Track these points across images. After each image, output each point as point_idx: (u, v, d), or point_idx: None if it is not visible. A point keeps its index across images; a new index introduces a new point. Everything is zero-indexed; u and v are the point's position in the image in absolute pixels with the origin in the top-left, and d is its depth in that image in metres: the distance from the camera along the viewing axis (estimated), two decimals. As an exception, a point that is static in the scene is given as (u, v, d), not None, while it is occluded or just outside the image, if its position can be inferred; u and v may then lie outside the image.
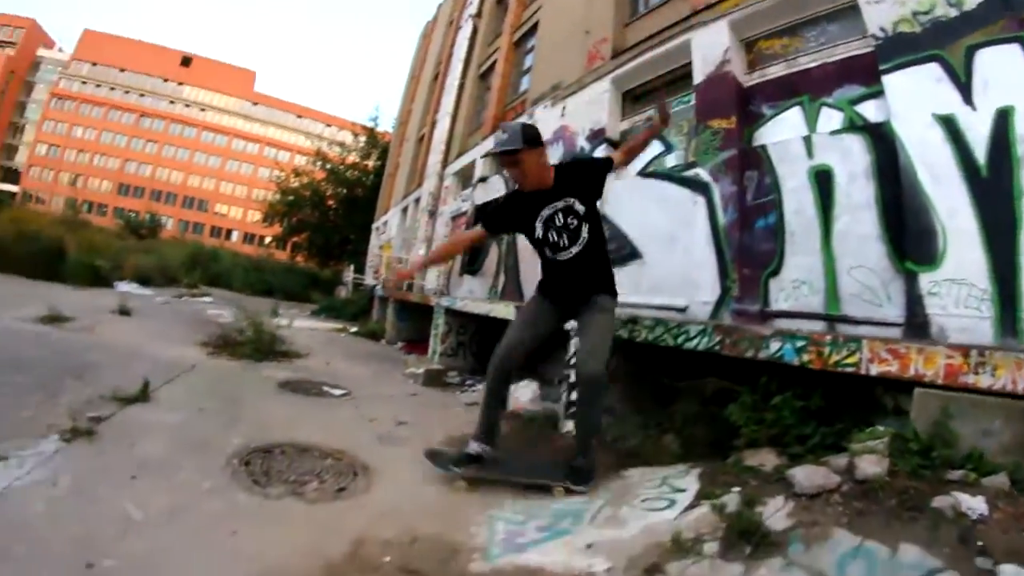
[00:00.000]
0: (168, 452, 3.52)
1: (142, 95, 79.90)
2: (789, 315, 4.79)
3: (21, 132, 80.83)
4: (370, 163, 33.48)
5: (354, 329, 12.62)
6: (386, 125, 34.30)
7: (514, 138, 3.40)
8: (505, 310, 6.39)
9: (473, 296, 12.44)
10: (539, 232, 3.61)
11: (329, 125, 77.75)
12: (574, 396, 4.77)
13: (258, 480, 3.31)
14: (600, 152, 8.04)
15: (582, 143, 9.09)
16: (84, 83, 79.06)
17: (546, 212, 3.57)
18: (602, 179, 3.74)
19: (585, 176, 3.67)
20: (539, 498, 3.36)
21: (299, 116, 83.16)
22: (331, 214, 32.48)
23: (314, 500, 3.14)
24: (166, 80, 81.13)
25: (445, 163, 16.36)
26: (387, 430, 4.56)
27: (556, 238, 3.59)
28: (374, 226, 28.01)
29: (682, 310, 5.86)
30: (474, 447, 3.63)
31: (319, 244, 32.92)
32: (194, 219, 77.02)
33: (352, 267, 25.88)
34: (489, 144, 13.40)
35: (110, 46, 79.74)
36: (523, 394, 6.05)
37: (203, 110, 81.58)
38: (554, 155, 9.69)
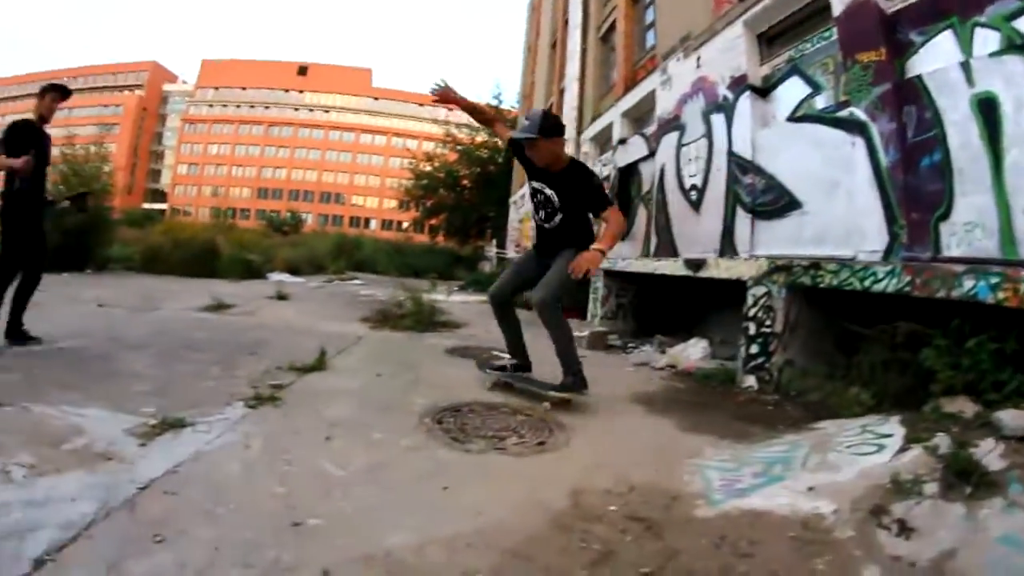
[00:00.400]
0: (356, 414, 3.63)
1: (267, 107, 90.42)
2: (962, 262, 4.25)
3: (162, 157, 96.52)
4: (499, 141, 34.04)
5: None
6: (509, 100, 35.06)
7: (532, 127, 4.20)
8: (673, 265, 6.57)
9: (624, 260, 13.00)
10: (528, 193, 4.64)
11: (451, 109, 79.21)
12: (753, 349, 5.32)
13: (456, 437, 3.33)
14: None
15: (724, 92, 9.00)
16: (211, 106, 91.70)
17: (536, 185, 4.46)
18: (588, 206, 4.48)
19: (581, 191, 4.37)
20: (744, 446, 3.47)
21: (420, 104, 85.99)
22: (466, 193, 33.61)
23: (518, 454, 3.16)
24: (287, 90, 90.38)
25: (580, 129, 16.77)
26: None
27: (539, 210, 4.52)
28: (511, 200, 28.86)
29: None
30: (505, 360, 4.87)
31: (457, 224, 34.25)
32: (332, 212, 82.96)
33: (495, 241, 26.95)
34: (624, 104, 13.84)
35: (229, 70, 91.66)
36: (693, 352, 6.28)
37: (327, 112, 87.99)
38: (695, 108, 9.93)
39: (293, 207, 66.15)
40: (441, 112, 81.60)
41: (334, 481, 2.61)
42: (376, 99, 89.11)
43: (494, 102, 34.49)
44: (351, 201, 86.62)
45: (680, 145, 10.31)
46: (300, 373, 4.51)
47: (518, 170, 27.69)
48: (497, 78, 79.25)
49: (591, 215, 4.58)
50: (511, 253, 25.07)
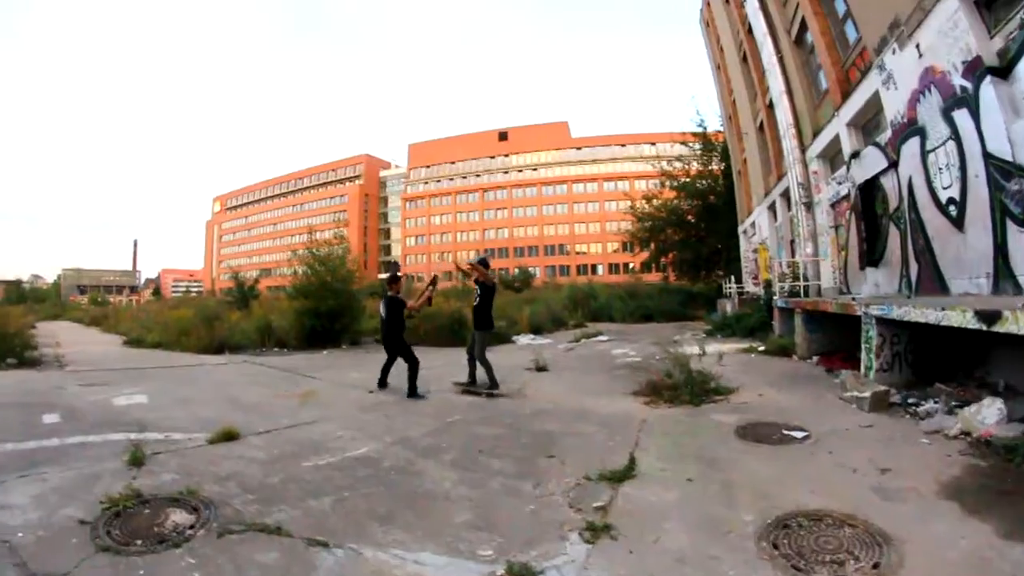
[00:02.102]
0: (695, 542, 3.56)
1: (478, 175, 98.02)
2: None
3: (388, 234, 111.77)
4: (714, 167, 33.29)
5: (760, 347, 12.32)
6: (713, 124, 33.70)
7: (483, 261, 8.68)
8: (960, 318, 5.83)
9: (880, 291, 11.69)
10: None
11: (653, 144, 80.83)
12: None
13: (797, 565, 3.25)
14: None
15: (959, 82, 8.03)
16: (426, 183, 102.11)
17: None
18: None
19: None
20: None
21: (622, 145, 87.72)
22: (692, 229, 32.91)
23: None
24: (493, 157, 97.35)
25: (803, 147, 15.80)
26: (876, 481, 4.40)
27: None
28: (740, 230, 27.91)
29: None
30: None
31: (688, 260, 33.53)
32: (558, 263, 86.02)
33: (732, 278, 25.95)
34: (846, 113, 12.79)
35: (435, 148, 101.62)
36: (987, 415, 5.30)
37: (535, 169, 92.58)
38: (931, 106, 8.95)
39: (520, 263, 70.20)
40: (645, 148, 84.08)
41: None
42: (579, 148, 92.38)
43: (698, 130, 33.68)
44: (575, 250, 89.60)
45: (925, 152, 9.33)
46: (611, 482, 4.46)
47: (743, 197, 26.68)
48: (695, 103, 76.89)
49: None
50: (749, 287, 23.91)
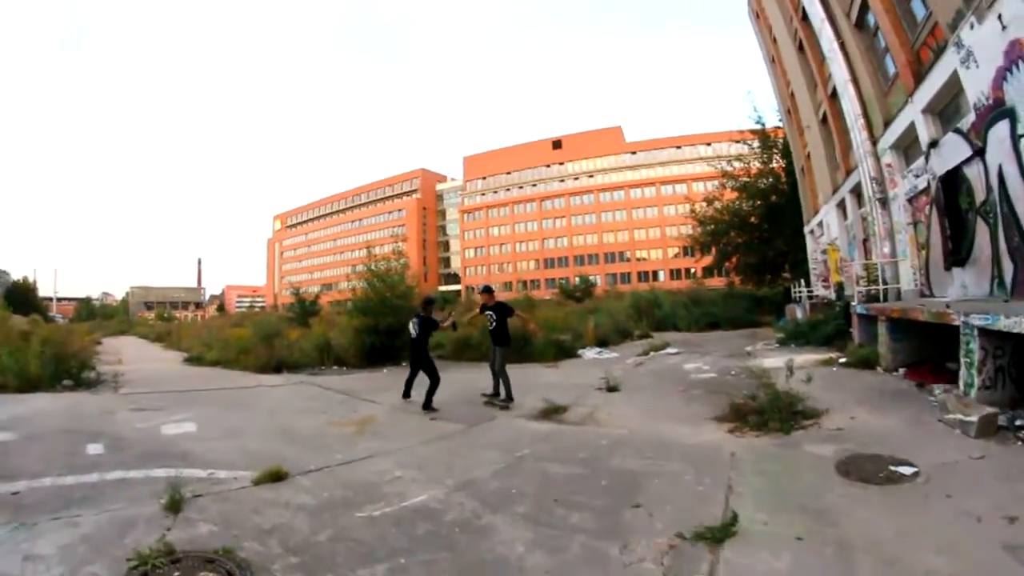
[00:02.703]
0: None
1: (534, 185, 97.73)
2: None
3: (447, 247, 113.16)
4: (774, 164, 31.90)
5: (841, 358, 11.19)
6: (772, 120, 32.45)
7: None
8: None
9: (968, 294, 10.59)
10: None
11: (710, 144, 79.19)
12: None
13: None
14: None
15: None
16: (483, 194, 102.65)
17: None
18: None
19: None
20: None
21: (678, 147, 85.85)
22: (756, 230, 31.37)
23: None
24: (548, 165, 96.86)
25: (873, 138, 14.59)
26: (1007, 535, 3.75)
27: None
28: (807, 230, 26.53)
29: None
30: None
31: (753, 263, 32.03)
32: (619, 270, 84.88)
33: (801, 281, 24.57)
34: (921, 98, 11.66)
35: (490, 160, 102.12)
36: None
37: (591, 176, 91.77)
38: (1020, 82, 8.03)
39: (580, 271, 68.93)
40: (701, 148, 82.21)
41: None
42: (634, 153, 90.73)
43: (756, 126, 32.31)
44: (636, 256, 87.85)
45: (1016, 137, 8.26)
46: (709, 543, 3.88)
47: (807, 194, 25.28)
48: (751, 98, 74.16)
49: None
50: (819, 290, 22.49)
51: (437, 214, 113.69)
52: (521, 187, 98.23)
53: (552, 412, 8.14)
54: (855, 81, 15.24)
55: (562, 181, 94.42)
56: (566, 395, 9.09)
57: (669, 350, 15.99)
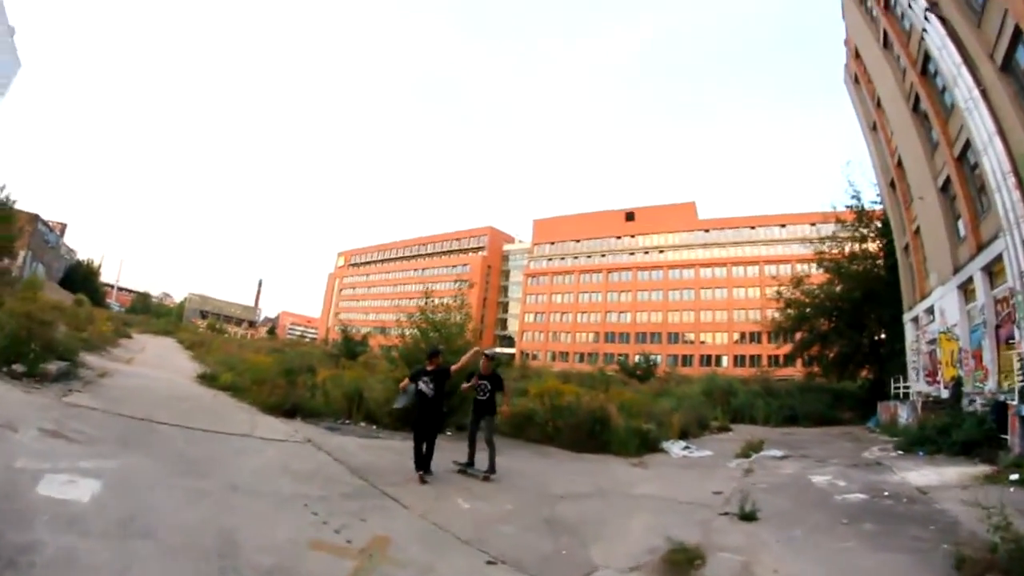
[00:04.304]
0: None
1: (603, 255, 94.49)
2: None
3: (506, 308, 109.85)
4: (871, 246, 28.92)
5: (1013, 475, 8.53)
6: (868, 195, 29.58)
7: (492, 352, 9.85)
8: None
9: None
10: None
11: (783, 226, 76.84)
12: None
13: None
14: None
15: None
16: (550, 260, 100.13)
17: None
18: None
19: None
20: None
21: (752, 227, 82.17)
22: (847, 317, 28.08)
23: None
24: (619, 237, 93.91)
25: (1032, 198, 11.59)
26: None
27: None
28: (907, 317, 23.14)
29: None
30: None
31: (843, 352, 28.51)
32: (682, 352, 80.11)
33: (901, 377, 21.13)
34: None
35: (560, 225, 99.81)
36: None
37: (661, 252, 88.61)
38: None
39: (642, 349, 65.10)
40: (776, 230, 78.79)
41: None
42: (707, 231, 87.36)
43: (854, 203, 29.54)
44: (700, 339, 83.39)
45: None
46: None
47: (913, 277, 21.98)
48: (847, 173, 70.31)
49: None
50: (921, 386, 18.97)
51: (501, 274, 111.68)
52: (589, 256, 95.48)
53: (682, 563, 5.13)
54: (1002, 133, 12.40)
55: (632, 254, 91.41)
56: (684, 524, 6.54)
57: (771, 452, 13.11)
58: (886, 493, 8.20)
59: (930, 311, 19.57)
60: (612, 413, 12.85)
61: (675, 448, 13.20)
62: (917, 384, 19.91)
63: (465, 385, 8.95)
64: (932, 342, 19.20)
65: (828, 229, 31.67)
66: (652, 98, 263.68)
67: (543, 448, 11.81)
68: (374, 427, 11.72)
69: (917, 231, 20.74)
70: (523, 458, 10.53)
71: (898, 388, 20.27)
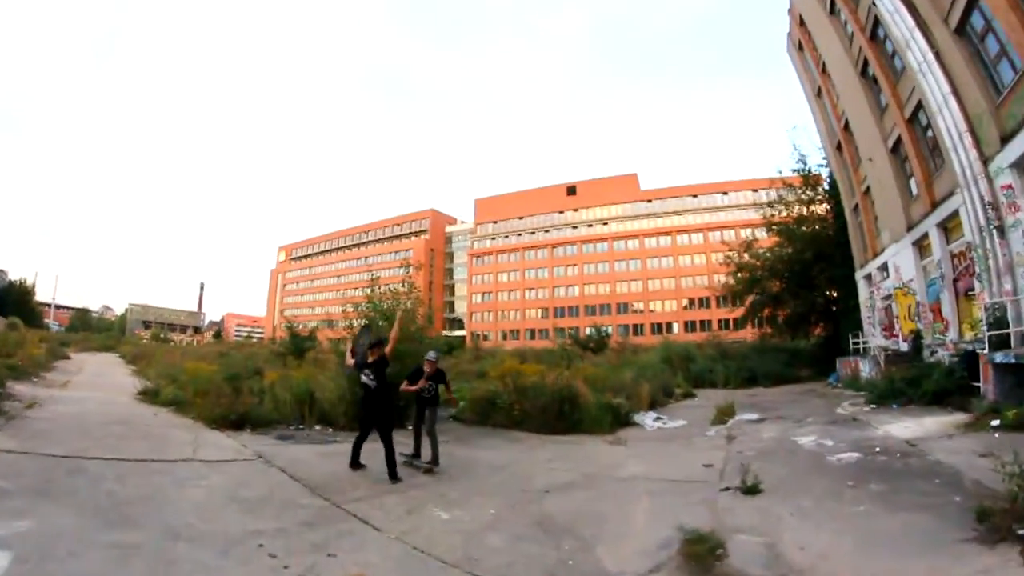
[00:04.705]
0: None
1: (547, 231, 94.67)
2: None
3: (453, 290, 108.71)
4: (818, 208, 29.78)
5: (993, 420, 8.68)
6: (812, 159, 30.44)
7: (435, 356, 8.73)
8: None
9: None
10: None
11: (726, 193, 79.56)
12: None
13: None
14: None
15: None
16: (493, 239, 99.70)
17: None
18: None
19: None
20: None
21: (694, 196, 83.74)
22: (798, 279, 28.75)
23: None
24: (561, 211, 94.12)
25: (986, 159, 12.11)
26: None
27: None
28: (861, 275, 23.90)
29: None
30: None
31: (799, 313, 29.28)
32: (632, 322, 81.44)
33: (860, 334, 21.92)
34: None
35: (501, 204, 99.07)
36: None
37: (605, 224, 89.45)
38: None
39: (592, 322, 65.53)
40: (718, 197, 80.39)
41: None
42: (649, 201, 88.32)
43: (799, 167, 30.15)
44: (649, 307, 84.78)
45: None
46: None
47: (863, 236, 22.76)
48: (793, 140, 72.39)
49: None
50: (879, 340, 19.76)
51: (445, 256, 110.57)
52: (533, 233, 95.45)
53: (704, 555, 4.57)
54: (957, 94, 12.86)
55: (575, 228, 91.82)
56: (687, 507, 6.08)
57: (745, 416, 13.00)
58: (877, 449, 8.20)
59: (883, 268, 20.36)
60: (581, 390, 12.43)
61: (648, 420, 13.04)
62: (875, 339, 20.70)
63: (406, 386, 8.39)
64: (887, 298, 19.99)
65: (772, 195, 32.44)
66: (591, 72, 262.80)
67: (511, 433, 11.44)
68: (330, 430, 11.07)
69: (867, 191, 21.46)
70: (493, 446, 10.20)
71: (857, 343, 21.01)
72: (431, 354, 8.69)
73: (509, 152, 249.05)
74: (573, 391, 12.23)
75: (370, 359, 7.78)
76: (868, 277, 22.66)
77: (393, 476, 7.38)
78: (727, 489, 6.73)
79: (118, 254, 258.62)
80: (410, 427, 9.63)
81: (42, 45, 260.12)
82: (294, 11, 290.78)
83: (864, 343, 21.20)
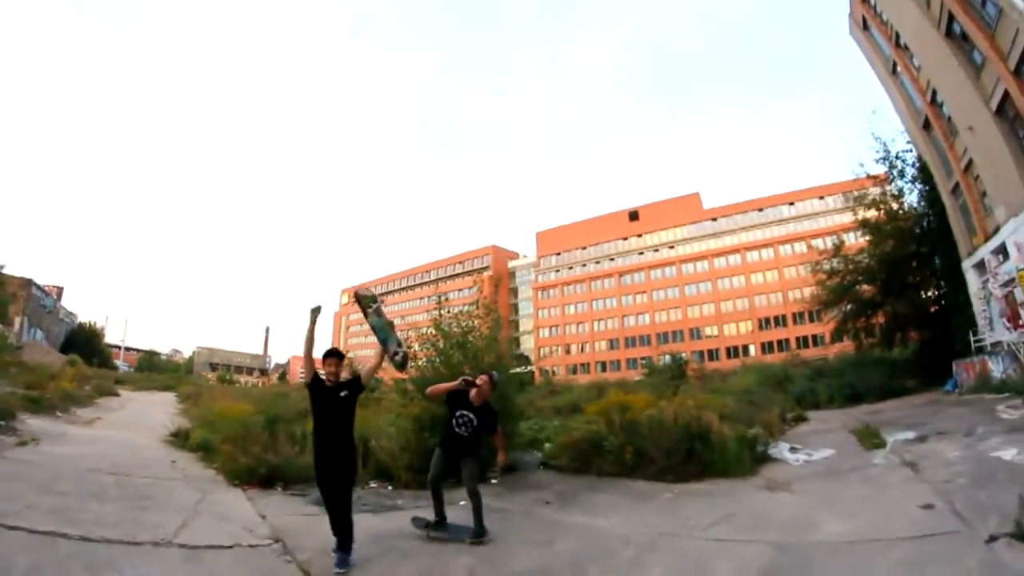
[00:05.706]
0: None
1: (612, 259, 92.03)
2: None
3: (518, 326, 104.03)
4: (905, 202, 26.98)
5: None
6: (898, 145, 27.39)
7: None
8: None
9: None
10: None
11: (792, 203, 76.32)
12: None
13: None
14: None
15: None
16: (557, 271, 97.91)
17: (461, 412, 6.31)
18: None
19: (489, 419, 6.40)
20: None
21: (759, 210, 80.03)
22: (896, 280, 25.85)
23: None
24: (625, 238, 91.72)
25: None
26: None
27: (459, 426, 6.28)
28: (968, 265, 21.08)
29: None
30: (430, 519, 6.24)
31: (901, 314, 26.03)
32: (705, 347, 77.60)
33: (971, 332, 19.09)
34: None
35: (564, 234, 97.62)
36: None
37: (671, 247, 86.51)
38: None
39: (664, 350, 62.42)
40: (784, 209, 76.05)
41: None
42: (714, 219, 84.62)
43: (882, 155, 27.19)
44: (723, 331, 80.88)
45: None
46: None
47: (966, 220, 19.90)
48: (872, 130, 66.22)
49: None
50: (1003, 333, 16.84)
51: (509, 292, 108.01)
52: (598, 262, 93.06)
53: None
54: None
55: (641, 254, 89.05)
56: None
57: (900, 435, 10.58)
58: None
59: (999, 251, 17.57)
60: (713, 423, 9.84)
61: (785, 453, 10.43)
62: (996, 333, 17.85)
63: (434, 387, 6.87)
64: (1008, 283, 17.16)
65: (839, 200, 29.78)
66: (643, 94, 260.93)
67: (626, 483, 8.94)
68: (388, 487, 8.96)
69: (968, 167, 18.84)
70: (612, 506, 7.60)
71: (980, 342, 18.10)
72: (494, 373, 6.70)
73: (565, 183, 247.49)
74: (704, 425, 9.67)
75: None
76: (979, 265, 19.69)
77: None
78: (993, 539, 4.76)
79: (187, 299, 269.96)
80: (494, 480, 8.17)
81: (119, 85, 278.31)
82: (342, 66, 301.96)
83: (980, 341, 18.28)
